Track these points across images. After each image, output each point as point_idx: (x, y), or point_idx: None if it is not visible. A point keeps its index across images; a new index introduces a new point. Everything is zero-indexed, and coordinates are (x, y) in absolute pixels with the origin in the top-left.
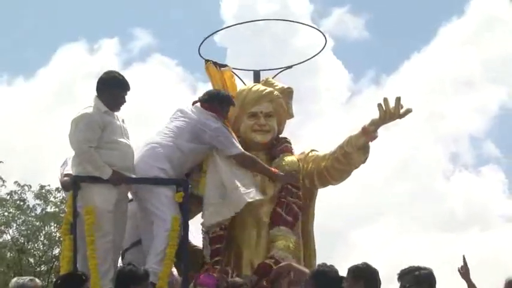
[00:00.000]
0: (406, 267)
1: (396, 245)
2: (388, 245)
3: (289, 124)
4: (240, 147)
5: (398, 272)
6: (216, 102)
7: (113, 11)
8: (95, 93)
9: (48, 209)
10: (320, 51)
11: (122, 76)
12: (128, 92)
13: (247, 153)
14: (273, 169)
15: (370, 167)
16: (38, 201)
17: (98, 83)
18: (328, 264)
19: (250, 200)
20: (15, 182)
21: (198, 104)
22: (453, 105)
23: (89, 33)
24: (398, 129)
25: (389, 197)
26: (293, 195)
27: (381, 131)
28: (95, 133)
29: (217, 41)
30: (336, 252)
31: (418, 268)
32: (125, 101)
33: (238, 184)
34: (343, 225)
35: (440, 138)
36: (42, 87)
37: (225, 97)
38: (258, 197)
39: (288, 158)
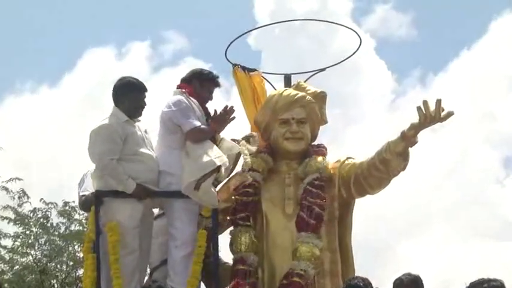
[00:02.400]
0: (476, 279)
1: (447, 256)
2: (438, 255)
3: (330, 130)
4: (194, 122)
5: (468, 285)
6: (193, 78)
7: (143, 13)
8: (112, 105)
9: (72, 227)
10: (354, 53)
11: (136, 79)
12: (147, 94)
13: (198, 127)
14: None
15: (416, 173)
16: (61, 219)
17: (114, 92)
18: (364, 277)
19: (219, 164)
20: (41, 200)
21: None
22: (506, 106)
23: (117, 37)
24: (446, 132)
25: (437, 205)
26: (313, 195)
27: (428, 134)
28: (117, 144)
29: (251, 43)
30: (383, 267)
31: (488, 280)
32: (145, 104)
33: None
34: (389, 237)
35: (492, 141)
36: (67, 95)
37: (200, 71)
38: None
39: (319, 158)
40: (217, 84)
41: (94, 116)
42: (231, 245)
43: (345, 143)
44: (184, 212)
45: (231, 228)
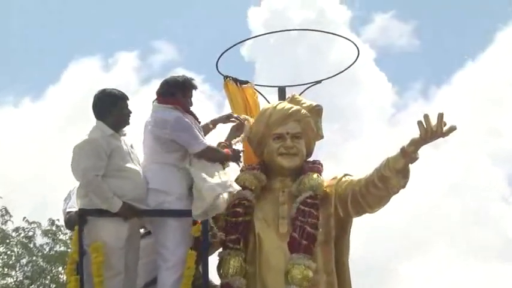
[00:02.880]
0: None
1: (449, 277)
2: (441, 276)
3: (327, 145)
4: (205, 141)
5: None
6: (173, 89)
7: (131, 22)
8: (95, 119)
9: (57, 248)
10: (351, 65)
11: (117, 90)
12: (129, 102)
13: (211, 147)
14: (225, 151)
15: (417, 191)
16: (46, 240)
17: (96, 105)
18: None
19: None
20: (24, 219)
21: (156, 102)
22: None
23: (104, 47)
24: (449, 148)
25: (439, 224)
26: (305, 215)
27: (429, 150)
28: (102, 160)
29: (244, 54)
30: None
31: None
32: (130, 111)
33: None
34: (390, 257)
35: (497, 158)
36: (51, 109)
37: (182, 81)
38: (236, 187)
39: (314, 175)
40: (196, 87)
41: (79, 129)
42: (218, 268)
43: (343, 158)
44: (177, 232)
45: (220, 250)
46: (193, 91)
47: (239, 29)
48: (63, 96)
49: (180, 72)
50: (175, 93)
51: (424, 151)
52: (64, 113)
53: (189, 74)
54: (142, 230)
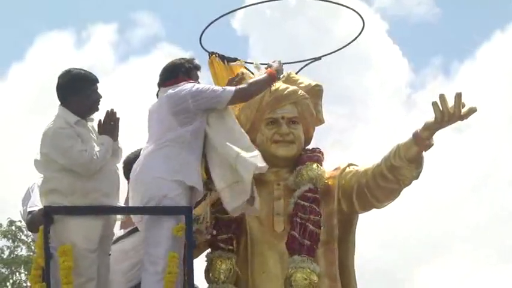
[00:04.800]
0: None
1: (471, 283)
2: (462, 283)
3: (334, 131)
4: (227, 87)
5: None
6: (179, 73)
7: None
8: (59, 104)
9: (18, 251)
10: (354, 39)
11: (84, 70)
12: (98, 84)
13: (240, 86)
14: (267, 73)
15: (436, 185)
16: (5, 242)
17: (59, 89)
18: None
19: (261, 165)
20: None
21: (161, 88)
22: None
23: (77, 19)
24: (474, 132)
25: (461, 224)
26: (306, 211)
27: (452, 134)
28: (78, 141)
29: (236, 28)
30: None
31: None
32: (100, 96)
33: (239, 150)
34: (406, 263)
35: None
36: (14, 92)
37: (182, 64)
38: (264, 163)
39: (314, 166)
40: (199, 67)
41: (46, 116)
42: (206, 271)
43: (351, 147)
44: (161, 230)
45: (209, 250)
46: (198, 72)
47: None
48: (28, 77)
49: (163, 47)
50: (178, 75)
51: (444, 136)
52: (28, 96)
53: (174, 50)
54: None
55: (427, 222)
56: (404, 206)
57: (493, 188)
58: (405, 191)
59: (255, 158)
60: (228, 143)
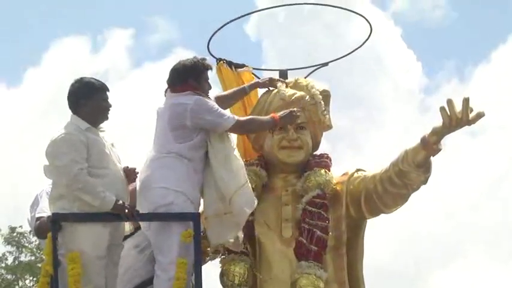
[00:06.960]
0: None
1: (488, 286)
2: (478, 285)
3: (347, 135)
4: (230, 114)
5: None
6: (184, 76)
7: None
8: (71, 113)
9: (22, 258)
10: (361, 46)
11: (95, 79)
12: (108, 93)
13: (242, 118)
14: (270, 116)
15: (451, 188)
16: (9, 248)
17: (70, 97)
18: None
19: (255, 205)
20: None
21: (169, 91)
22: None
23: (93, 24)
24: (489, 136)
25: (477, 227)
26: (314, 216)
27: (465, 138)
28: (82, 152)
29: (249, 33)
30: None
31: None
32: (110, 105)
33: (238, 185)
34: (419, 266)
35: None
36: (29, 97)
37: (192, 65)
38: (255, 204)
39: (322, 171)
40: (209, 67)
41: (60, 121)
42: (222, 275)
43: (366, 150)
44: (172, 237)
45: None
46: (208, 72)
47: (246, 4)
48: (44, 82)
49: (178, 53)
50: (188, 79)
51: (459, 140)
52: (44, 101)
53: (189, 55)
54: None
55: (441, 225)
56: (419, 210)
57: (508, 192)
58: (420, 195)
59: (252, 195)
60: (224, 174)
